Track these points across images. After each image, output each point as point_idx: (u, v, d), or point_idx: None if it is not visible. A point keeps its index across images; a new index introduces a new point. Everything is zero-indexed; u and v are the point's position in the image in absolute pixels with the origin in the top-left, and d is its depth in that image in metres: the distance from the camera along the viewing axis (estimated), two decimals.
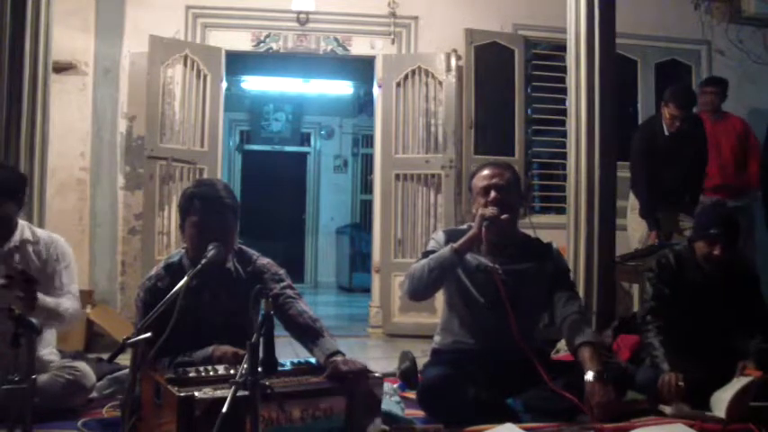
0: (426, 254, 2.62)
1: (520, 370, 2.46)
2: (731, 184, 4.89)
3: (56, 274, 2.58)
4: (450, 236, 2.66)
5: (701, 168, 4.52)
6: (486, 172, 2.64)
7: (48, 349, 2.67)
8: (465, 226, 2.76)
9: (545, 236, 2.81)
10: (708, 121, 4.87)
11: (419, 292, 2.59)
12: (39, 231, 2.66)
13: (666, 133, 4.34)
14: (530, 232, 2.79)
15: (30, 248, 2.57)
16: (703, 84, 5.09)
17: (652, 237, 4.28)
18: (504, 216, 2.50)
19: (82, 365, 2.58)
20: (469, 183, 2.73)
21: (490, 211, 2.50)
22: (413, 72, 5.24)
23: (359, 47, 5.40)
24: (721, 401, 2.52)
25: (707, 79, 5.19)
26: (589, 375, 2.40)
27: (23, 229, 2.59)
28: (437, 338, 2.77)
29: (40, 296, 2.38)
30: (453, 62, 5.21)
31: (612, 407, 2.37)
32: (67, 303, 2.53)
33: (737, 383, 2.55)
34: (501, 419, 2.31)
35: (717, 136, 4.87)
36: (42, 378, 2.37)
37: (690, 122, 4.35)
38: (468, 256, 2.59)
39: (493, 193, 2.57)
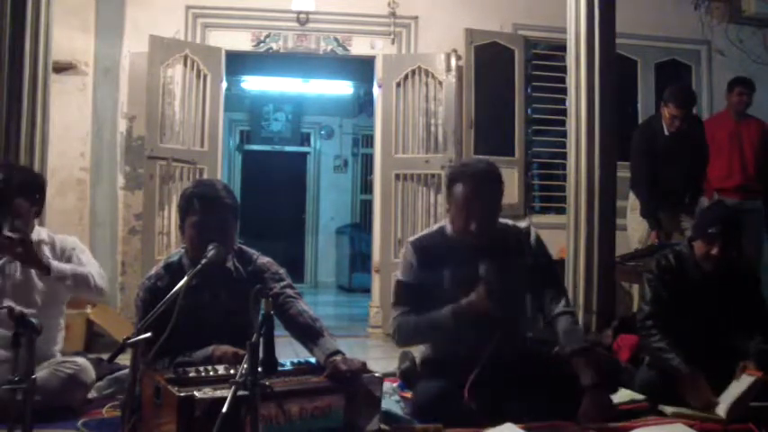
0: (403, 288, 2.52)
1: (515, 373, 2.44)
2: (751, 184, 4.89)
3: (72, 258, 2.67)
4: (422, 251, 2.51)
5: (702, 168, 4.52)
6: (468, 190, 2.42)
7: (57, 347, 2.72)
8: (435, 228, 2.62)
9: (545, 236, 2.72)
10: (732, 120, 4.89)
11: (410, 345, 2.63)
12: (53, 235, 2.75)
13: (666, 133, 4.34)
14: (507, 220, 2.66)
15: (45, 248, 2.64)
16: (734, 84, 5.02)
17: (653, 236, 4.28)
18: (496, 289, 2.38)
19: (81, 360, 2.61)
20: (448, 184, 2.52)
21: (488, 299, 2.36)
22: (413, 72, 5.24)
23: (359, 47, 5.39)
24: (723, 401, 2.52)
25: (738, 80, 5.08)
26: (585, 386, 2.37)
27: (39, 232, 2.69)
28: (422, 348, 2.70)
29: (54, 262, 2.51)
30: (453, 62, 5.21)
31: (608, 414, 2.37)
32: (90, 269, 2.62)
33: (739, 385, 2.55)
34: (499, 422, 2.31)
35: (740, 136, 4.88)
36: (41, 374, 2.37)
37: (689, 122, 4.35)
38: (454, 266, 2.50)
39: (474, 226, 2.41)
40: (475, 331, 2.43)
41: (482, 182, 2.44)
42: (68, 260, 2.65)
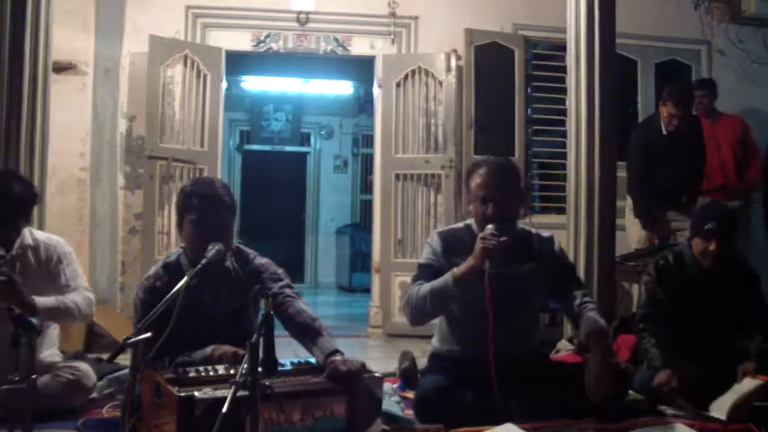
0: (423, 268, 2.56)
1: (517, 373, 2.44)
2: (731, 184, 4.87)
3: (59, 273, 2.59)
4: (447, 241, 2.58)
5: (700, 168, 4.51)
6: (484, 178, 2.51)
7: (50, 350, 2.67)
8: (461, 224, 2.69)
9: None
10: (705, 122, 4.86)
11: (422, 321, 2.58)
12: (38, 234, 2.66)
13: (665, 132, 4.34)
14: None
15: (30, 254, 2.57)
16: (692, 88, 5.03)
17: (647, 236, 4.29)
18: (503, 239, 2.39)
19: (82, 365, 2.59)
20: (466, 179, 2.63)
21: (490, 243, 2.38)
22: (413, 72, 5.24)
23: (359, 47, 5.39)
24: (724, 403, 2.52)
25: (694, 83, 5.16)
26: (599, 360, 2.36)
27: (24, 234, 2.59)
28: (434, 342, 2.74)
29: (38, 299, 2.39)
30: (453, 62, 5.21)
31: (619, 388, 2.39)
32: (74, 296, 2.55)
33: (742, 387, 2.55)
34: (499, 423, 2.30)
35: (716, 136, 4.86)
36: (43, 378, 2.37)
37: (688, 122, 4.35)
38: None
39: (491, 207, 2.48)
40: (481, 325, 2.43)
41: (496, 170, 2.53)
42: (53, 273, 2.57)
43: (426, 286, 2.48)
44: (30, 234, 2.62)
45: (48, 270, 2.58)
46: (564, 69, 4.25)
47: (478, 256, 2.39)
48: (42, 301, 2.41)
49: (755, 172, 4.96)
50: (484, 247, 2.38)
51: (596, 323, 2.45)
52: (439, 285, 2.45)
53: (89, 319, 2.64)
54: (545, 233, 2.71)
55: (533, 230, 2.70)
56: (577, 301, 2.55)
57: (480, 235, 2.43)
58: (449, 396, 2.39)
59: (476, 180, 2.54)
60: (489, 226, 2.43)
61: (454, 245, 2.57)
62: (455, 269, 2.44)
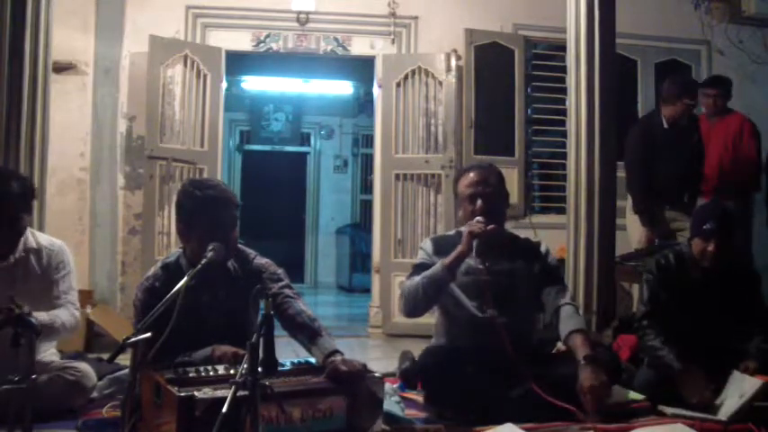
0: (417, 267, 2.65)
1: (516, 369, 2.45)
2: (724, 186, 4.81)
3: (55, 282, 2.57)
4: (438, 244, 2.70)
5: (700, 165, 4.49)
6: (470, 178, 2.67)
7: (49, 351, 2.67)
8: (453, 232, 2.79)
9: (545, 236, 2.86)
10: (705, 122, 4.78)
11: (416, 311, 2.63)
12: (40, 237, 2.64)
13: (665, 126, 4.32)
14: (529, 232, 2.82)
15: (32, 258, 2.55)
16: (704, 85, 4.83)
17: (647, 235, 4.27)
18: (490, 227, 2.52)
19: (83, 366, 2.58)
20: (455, 186, 2.77)
21: (477, 227, 2.52)
22: (413, 72, 5.25)
23: (359, 47, 5.40)
24: (726, 406, 2.52)
25: (708, 80, 4.99)
26: (581, 360, 2.43)
27: (27, 236, 2.57)
28: (433, 341, 2.81)
29: (35, 314, 2.33)
30: (453, 62, 5.21)
31: (604, 391, 2.39)
32: (64, 315, 2.52)
33: (743, 388, 2.54)
34: (499, 414, 2.31)
35: (712, 137, 4.79)
36: (42, 378, 2.35)
37: (689, 118, 4.35)
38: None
39: (479, 203, 2.60)
40: (480, 325, 2.53)
41: (482, 171, 2.70)
42: (51, 281, 2.55)
43: (418, 277, 2.57)
44: (32, 236, 2.60)
45: (48, 276, 2.56)
46: (564, 69, 4.25)
47: (466, 242, 2.52)
48: (40, 317, 2.34)
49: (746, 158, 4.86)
50: (470, 230, 2.51)
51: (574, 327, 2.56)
52: (430, 273, 2.55)
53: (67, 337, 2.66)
54: (534, 239, 2.85)
55: (522, 236, 2.83)
56: (555, 301, 2.65)
57: (468, 223, 2.56)
58: (453, 359, 2.46)
59: (464, 182, 2.69)
60: (477, 217, 2.55)
61: (444, 246, 2.66)
62: (444, 259, 2.55)
